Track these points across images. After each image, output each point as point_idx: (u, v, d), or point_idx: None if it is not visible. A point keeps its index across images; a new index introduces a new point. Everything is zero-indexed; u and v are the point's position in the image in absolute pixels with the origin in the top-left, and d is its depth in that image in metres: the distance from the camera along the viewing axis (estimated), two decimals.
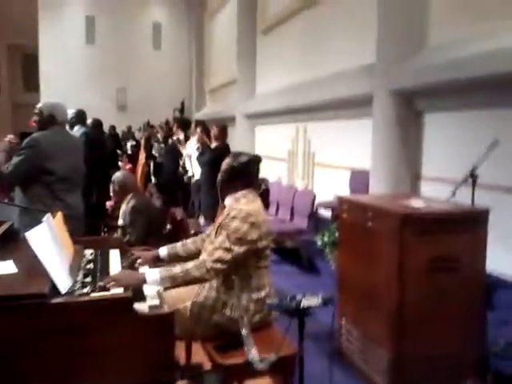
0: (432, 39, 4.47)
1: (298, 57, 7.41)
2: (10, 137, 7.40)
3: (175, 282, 2.08)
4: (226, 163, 2.38)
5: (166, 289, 2.10)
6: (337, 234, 3.44)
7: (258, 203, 2.32)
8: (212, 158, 5.56)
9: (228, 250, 2.13)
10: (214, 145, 5.82)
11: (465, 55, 3.78)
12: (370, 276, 2.54)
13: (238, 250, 2.14)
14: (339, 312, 2.86)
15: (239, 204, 2.26)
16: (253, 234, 2.18)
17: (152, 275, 2.06)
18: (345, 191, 5.29)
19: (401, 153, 4.61)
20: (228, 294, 2.22)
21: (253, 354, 1.95)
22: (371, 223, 2.52)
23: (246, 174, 2.35)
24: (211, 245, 2.21)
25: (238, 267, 2.20)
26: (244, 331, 2.03)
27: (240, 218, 2.17)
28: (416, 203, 2.53)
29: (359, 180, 5.29)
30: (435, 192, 3.77)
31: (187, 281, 2.10)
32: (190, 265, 2.11)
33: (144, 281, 2.04)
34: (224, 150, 5.61)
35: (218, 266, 2.11)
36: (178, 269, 2.10)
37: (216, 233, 2.29)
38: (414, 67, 4.35)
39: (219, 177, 2.40)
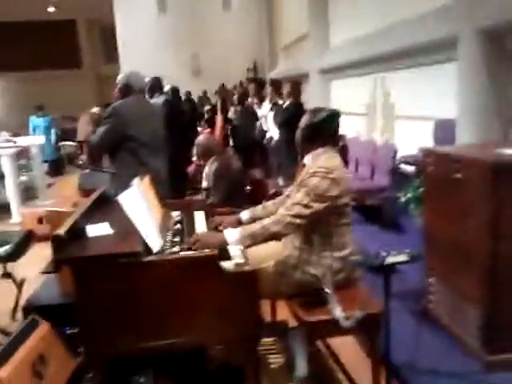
0: None
1: (373, 3, 7.00)
2: (95, 109, 7.79)
3: (255, 239, 2.11)
4: (305, 120, 2.33)
5: (247, 247, 2.14)
6: (421, 190, 3.30)
7: (338, 159, 2.27)
8: (286, 117, 5.50)
9: (307, 206, 2.11)
10: (287, 103, 5.74)
11: None
12: (461, 231, 2.40)
13: (318, 206, 2.12)
14: (427, 270, 2.76)
15: (319, 161, 2.22)
16: (333, 190, 2.14)
17: (232, 235, 2.10)
18: (429, 144, 5.02)
19: (490, 98, 4.24)
20: (310, 252, 2.22)
21: (338, 312, 1.94)
22: (460, 174, 2.36)
23: (327, 130, 2.30)
24: (291, 200, 2.21)
25: (319, 225, 2.19)
26: (327, 290, 2.02)
27: (320, 175, 2.14)
28: (509, 150, 2.34)
29: (444, 131, 4.97)
30: None
31: (267, 236, 2.12)
32: (268, 220, 2.14)
33: (225, 241, 2.09)
34: (297, 107, 5.53)
35: (298, 221, 2.11)
36: (256, 225, 2.14)
37: (296, 191, 2.28)
38: (503, 1, 3.93)
39: (298, 135, 2.36)
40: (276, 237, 2.19)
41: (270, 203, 2.56)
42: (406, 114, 6.15)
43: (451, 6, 4.57)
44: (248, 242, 2.11)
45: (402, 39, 5.66)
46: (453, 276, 2.54)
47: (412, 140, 5.73)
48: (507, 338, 2.27)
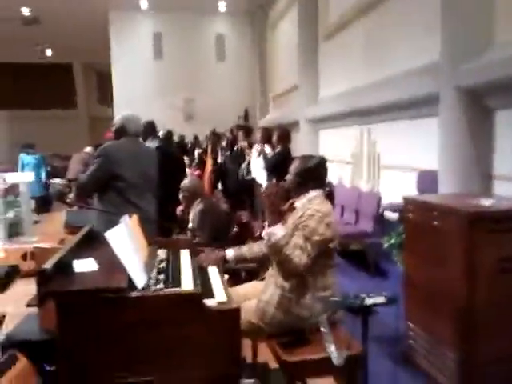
0: (499, 34, 4.27)
1: (361, 60, 7.34)
2: (87, 149, 7.85)
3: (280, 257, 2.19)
4: (297, 165, 2.44)
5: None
6: (403, 236, 3.39)
7: (329, 205, 2.38)
8: (274, 163, 5.65)
9: (308, 254, 2.18)
10: (277, 149, 5.90)
11: None
12: (438, 276, 2.48)
13: (315, 251, 2.19)
14: (406, 314, 2.81)
15: (313, 204, 2.31)
16: (328, 233, 2.23)
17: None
18: (412, 193, 5.15)
19: (471, 152, 4.42)
20: (294, 292, 2.26)
21: (332, 349, 1.93)
22: (437, 222, 2.47)
23: (318, 175, 2.43)
24: (297, 249, 2.19)
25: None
26: (323, 329, 2.03)
27: (317, 218, 2.23)
28: (485, 201, 2.45)
29: (427, 181, 5.13)
30: (509, 192, 3.61)
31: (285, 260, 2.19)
32: (291, 251, 2.17)
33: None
34: (285, 154, 5.68)
35: (303, 262, 2.17)
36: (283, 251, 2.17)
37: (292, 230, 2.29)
38: (482, 63, 4.19)
39: (291, 178, 2.45)
40: (289, 270, 2.23)
41: (254, 244, 2.63)
42: (391, 164, 6.33)
43: (434, 65, 4.84)
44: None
45: (387, 94, 5.92)
46: (430, 321, 2.59)
47: (396, 189, 5.88)
48: (482, 382, 2.29)
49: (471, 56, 4.32)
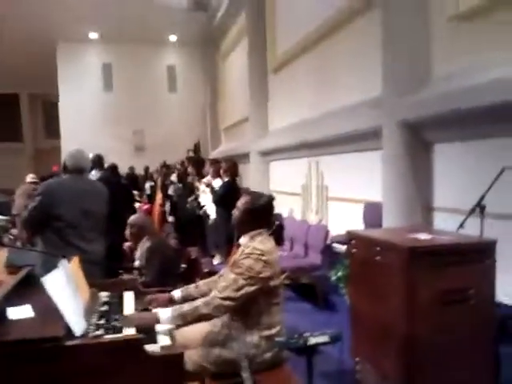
0: (437, 70, 4.53)
1: (308, 93, 7.57)
2: (30, 177, 7.50)
3: (186, 320, 2.16)
4: (246, 203, 2.41)
5: (178, 326, 2.19)
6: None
7: (271, 243, 2.37)
8: (218, 196, 5.68)
9: (238, 288, 2.17)
10: (223, 180, 5.97)
11: (471, 85, 3.80)
12: (381, 311, 2.53)
13: (249, 288, 2.18)
14: (353, 348, 2.84)
15: (254, 242, 2.30)
16: (266, 272, 2.22)
17: (164, 314, 2.14)
18: (359, 224, 5.29)
19: (412, 184, 4.62)
20: (238, 329, 2.24)
21: None
22: (380, 257, 2.54)
23: (265, 215, 2.42)
24: (224, 282, 2.25)
25: (249, 304, 2.23)
26: (244, 374, 2.03)
27: (254, 256, 2.22)
28: (423, 236, 2.55)
29: (373, 213, 5.29)
30: (448, 223, 3.75)
31: (196, 317, 2.18)
32: (198, 302, 2.19)
33: (157, 320, 2.13)
34: (230, 186, 5.73)
35: (227, 303, 2.17)
36: (187, 306, 2.19)
37: (230, 271, 2.32)
38: (420, 98, 4.41)
39: (238, 216, 2.43)
40: (206, 318, 2.23)
41: (202, 283, 2.60)
42: (338, 196, 6.49)
43: (377, 99, 5.05)
44: (179, 322, 2.16)
45: (333, 127, 6.11)
46: (376, 355, 2.63)
47: (344, 220, 6.02)
48: None
49: (410, 92, 4.55)
